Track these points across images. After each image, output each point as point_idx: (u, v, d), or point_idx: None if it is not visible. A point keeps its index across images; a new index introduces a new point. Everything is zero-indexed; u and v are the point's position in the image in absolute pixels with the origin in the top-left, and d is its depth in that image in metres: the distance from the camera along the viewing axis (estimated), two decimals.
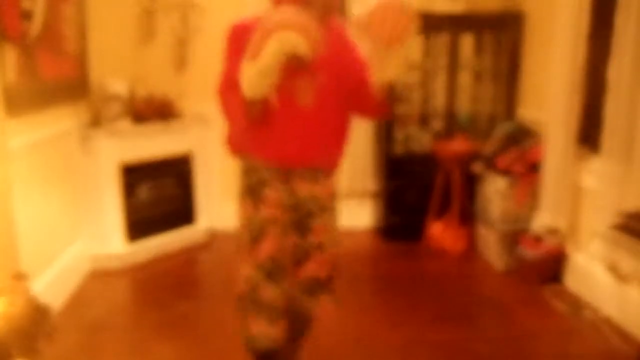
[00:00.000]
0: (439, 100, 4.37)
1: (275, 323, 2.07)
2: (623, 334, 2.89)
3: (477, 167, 3.98)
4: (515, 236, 3.66)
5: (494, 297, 3.41)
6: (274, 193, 2.02)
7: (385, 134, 4.28)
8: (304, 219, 2.06)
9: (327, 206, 2.09)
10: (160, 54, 4.24)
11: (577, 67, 3.31)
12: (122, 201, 3.81)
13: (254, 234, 2.02)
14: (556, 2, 3.42)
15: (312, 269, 2.12)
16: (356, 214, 4.61)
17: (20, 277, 2.30)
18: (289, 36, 1.68)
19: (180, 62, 4.27)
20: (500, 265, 3.75)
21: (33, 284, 2.58)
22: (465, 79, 4.31)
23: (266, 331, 2.07)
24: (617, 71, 2.89)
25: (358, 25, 1.79)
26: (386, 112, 2.10)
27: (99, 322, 3.06)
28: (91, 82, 3.84)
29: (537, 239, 3.53)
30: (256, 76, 1.73)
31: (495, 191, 3.76)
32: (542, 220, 3.59)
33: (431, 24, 4.20)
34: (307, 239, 2.08)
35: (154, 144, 3.98)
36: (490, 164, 3.85)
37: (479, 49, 4.40)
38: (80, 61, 3.70)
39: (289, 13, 1.73)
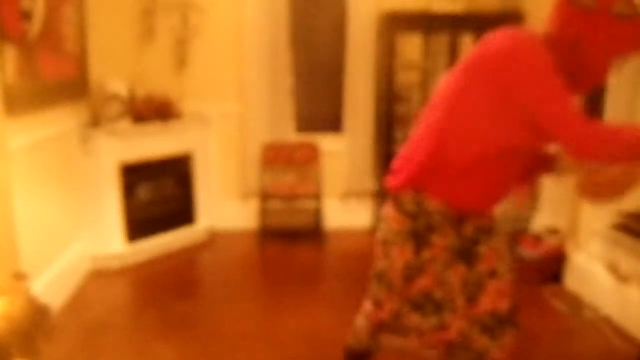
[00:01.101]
0: None
1: (407, 339, 1.96)
2: (623, 334, 2.89)
3: None
4: (515, 236, 3.66)
5: None
6: (442, 239, 1.82)
7: (385, 134, 4.28)
8: (469, 247, 1.85)
9: (491, 228, 1.89)
10: (160, 54, 4.24)
11: None
12: (122, 201, 3.81)
13: (410, 274, 1.86)
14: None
15: (487, 302, 1.84)
16: (356, 214, 4.61)
17: (20, 277, 2.30)
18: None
19: (180, 62, 4.27)
20: None
21: (33, 284, 2.58)
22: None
23: (396, 345, 2.00)
24: (617, 71, 2.89)
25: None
26: (530, 185, 2.07)
27: (99, 322, 3.06)
28: (91, 82, 3.84)
29: (537, 239, 3.53)
30: (606, 190, 1.69)
31: None
32: (542, 220, 3.59)
33: (431, 24, 4.21)
34: (476, 268, 1.84)
35: (153, 144, 3.98)
36: None
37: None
38: (80, 61, 3.70)
39: None
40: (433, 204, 1.79)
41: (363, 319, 2.10)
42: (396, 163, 1.90)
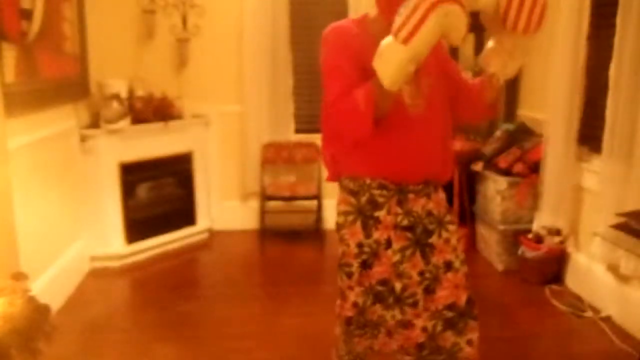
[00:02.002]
0: None
1: (377, 337, 1.93)
2: (623, 334, 2.88)
3: (478, 167, 3.97)
4: (515, 236, 3.65)
5: (495, 297, 3.40)
6: (387, 215, 1.82)
7: None
8: (422, 239, 1.84)
9: (444, 221, 1.87)
10: (160, 54, 4.24)
11: (577, 67, 3.30)
12: (122, 201, 3.80)
13: (364, 259, 1.85)
14: (556, 2, 3.41)
15: (445, 295, 1.84)
16: None
17: (20, 277, 2.29)
18: (455, 11, 1.42)
19: (180, 62, 4.27)
20: (501, 265, 3.74)
21: (33, 284, 2.57)
22: None
23: (368, 344, 1.95)
24: (618, 71, 2.88)
25: (485, 9, 1.61)
26: (494, 111, 1.97)
27: (99, 322, 3.05)
28: (91, 82, 3.83)
29: (538, 239, 3.53)
30: (406, 60, 1.46)
31: (495, 191, 3.76)
32: (543, 220, 3.59)
33: None
34: (432, 260, 1.84)
35: (153, 144, 3.98)
36: (491, 164, 3.85)
37: (479, 49, 4.39)
38: (80, 61, 3.70)
39: None
40: (369, 178, 1.83)
41: (337, 323, 2.03)
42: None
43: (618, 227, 2.89)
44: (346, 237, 1.90)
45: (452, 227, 1.89)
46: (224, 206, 4.56)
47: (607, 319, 3.02)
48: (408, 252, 1.84)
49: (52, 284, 3.07)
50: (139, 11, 4.13)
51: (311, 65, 4.58)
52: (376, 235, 1.83)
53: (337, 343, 2.04)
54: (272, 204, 4.41)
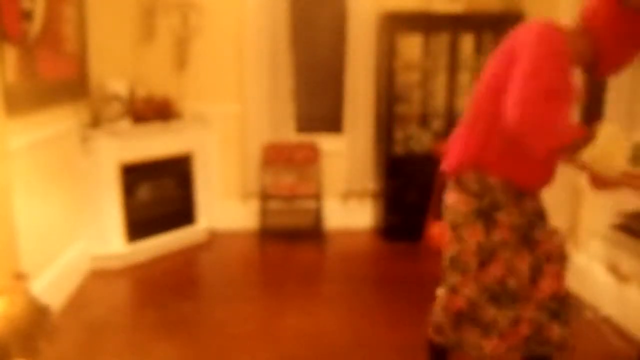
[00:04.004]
0: (439, 100, 4.37)
1: (488, 339, 1.99)
2: (623, 334, 2.89)
3: None
4: None
5: None
6: (507, 216, 1.94)
7: (385, 134, 4.29)
8: (528, 232, 1.97)
9: (543, 214, 2.03)
10: (160, 54, 4.24)
11: None
12: (122, 201, 3.81)
13: (483, 258, 1.95)
14: (556, 2, 3.42)
15: (547, 285, 1.96)
16: (356, 214, 4.61)
17: (20, 277, 2.30)
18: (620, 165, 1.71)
19: (180, 62, 4.27)
20: None
21: (33, 284, 2.58)
22: (465, 79, 4.30)
23: (477, 342, 2.01)
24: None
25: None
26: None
27: (99, 322, 3.06)
28: (91, 82, 3.84)
29: None
30: (614, 176, 1.72)
31: None
32: None
33: (431, 24, 4.21)
34: (536, 252, 1.97)
35: (153, 144, 3.98)
36: None
37: (479, 49, 4.40)
38: (80, 61, 3.70)
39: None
40: (494, 180, 1.91)
41: (440, 310, 2.12)
42: (449, 146, 2.04)
43: (617, 227, 2.90)
44: (464, 237, 1.97)
45: (548, 221, 2.05)
46: (224, 206, 4.56)
47: (607, 319, 3.03)
48: (519, 246, 1.95)
49: (52, 283, 3.08)
50: (139, 11, 4.14)
51: (311, 65, 4.59)
52: (496, 236, 1.93)
53: (440, 326, 2.12)
54: (272, 204, 4.42)
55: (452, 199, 2.02)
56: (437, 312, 2.14)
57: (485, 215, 1.94)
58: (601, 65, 1.84)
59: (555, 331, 1.98)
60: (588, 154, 1.68)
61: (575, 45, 1.79)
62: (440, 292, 2.12)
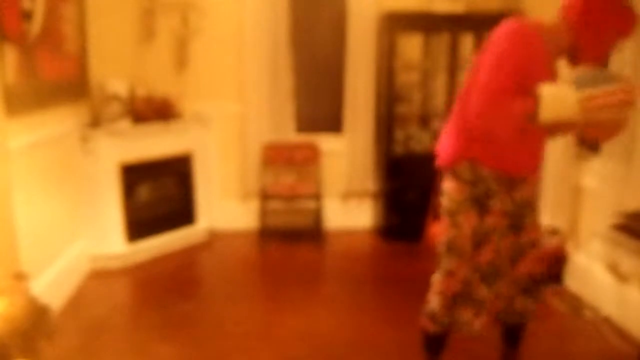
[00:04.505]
0: (439, 100, 4.37)
1: (480, 316, 2.18)
2: (623, 334, 2.89)
3: None
4: None
5: None
6: (499, 203, 2.10)
7: (385, 134, 4.29)
8: (518, 220, 2.15)
9: (534, 205, 2.18)
10: (160, 54, 4.24)
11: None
12: (122, 201, 3.81)
13: (477, 241, 2.11)
14: (556, 2, 3.41)
15: (526, 266, 2.19)
16: (356, 214, 4.61)
17: (20, 277, 2.30)
18: (625, 121, 1.83)
19: (180, 62, 4.27)
20: None
21: (33, 284, 2.58)
22: (465, 79, 4.31)
23: (470, 320, 2.18)
24: (617, 71, 2.89)
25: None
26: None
27: (99, 322, 3.06)
28: (91, 82, 3.84)
29: None
30: (573, 121, 1.81)
31: None
32: (542, 220, 3.59)
33: (431, 24, 4.20)
34: (522, 237, 2.17)
35: (153, 144, 3.98)
36: None
37: (479, 49, 4.39)
38: (80, 61, 3.70)
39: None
40: (486, 171, 2.06)
41: (435, 297, 2.22)
42: (440, 142, 2.19)
43: (617, 227, 2.90)
44: (460, 222, 2.11)
45: (537, 212, 2.23)
46: (224, 206, 4.56)
47: (607, 319, 3.03)
48: (506, 230, 2.15)
49: (52, 284, 3.08)
50: (139, 11, 4.13)
51: (311, 65, 4.59)
52: (489, 222, 2.10)
53: (434, 314, 2.23)
54: (272, 204, 4.42)
55: (447, 187, 2.15)
56: (432, 299, 2.24)
57: (479, 203, 2.09)
58: (580, 55, 1.98)
59: (520, 302, 2.23)
60: (542, 112, 1.77)
61: (555, 38, 1.96)
62: (436, 277, 2.23)
